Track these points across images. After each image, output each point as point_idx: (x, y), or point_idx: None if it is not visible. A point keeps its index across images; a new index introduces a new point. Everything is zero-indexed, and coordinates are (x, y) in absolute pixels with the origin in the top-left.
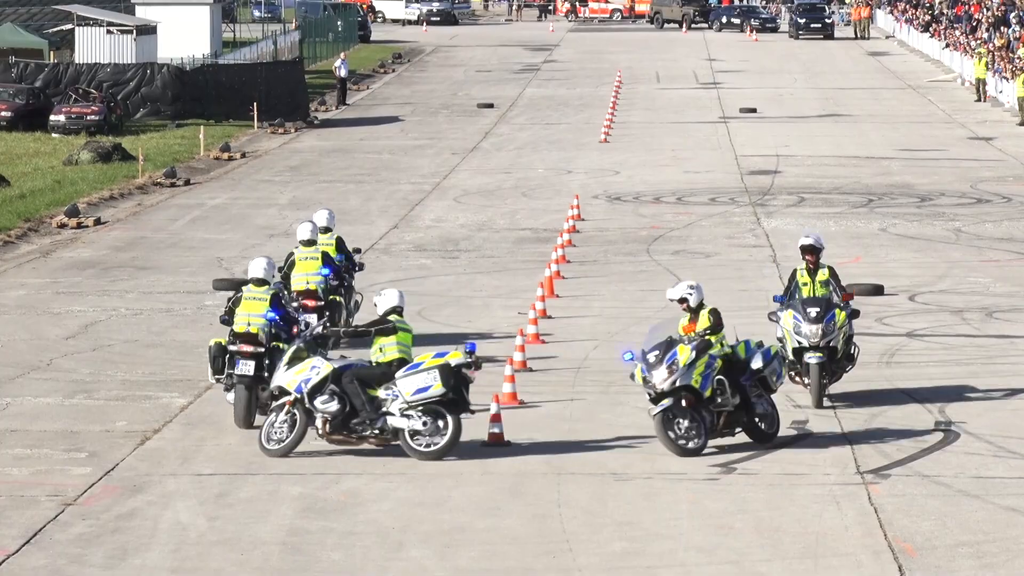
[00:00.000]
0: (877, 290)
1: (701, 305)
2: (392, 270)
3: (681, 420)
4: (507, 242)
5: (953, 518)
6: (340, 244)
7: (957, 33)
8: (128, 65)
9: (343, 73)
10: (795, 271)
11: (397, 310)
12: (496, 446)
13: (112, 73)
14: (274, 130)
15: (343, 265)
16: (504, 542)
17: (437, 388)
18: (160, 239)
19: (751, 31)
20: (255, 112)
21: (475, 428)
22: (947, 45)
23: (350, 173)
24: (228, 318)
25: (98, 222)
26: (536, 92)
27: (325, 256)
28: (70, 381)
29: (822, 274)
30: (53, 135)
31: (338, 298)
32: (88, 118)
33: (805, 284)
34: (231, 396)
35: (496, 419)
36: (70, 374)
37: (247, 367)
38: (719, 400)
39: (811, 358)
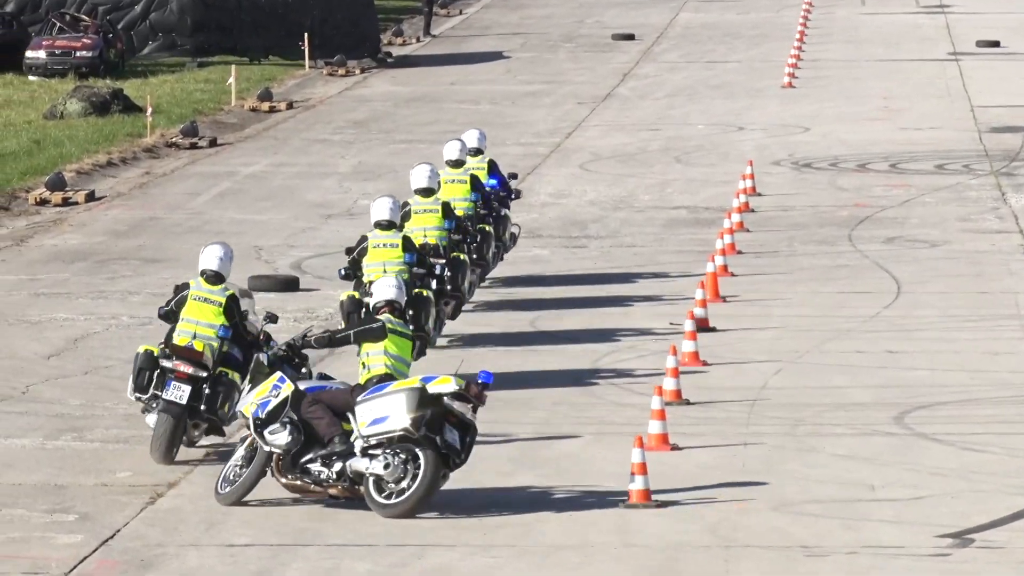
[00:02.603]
0: None
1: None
2: None
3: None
4: (654, 225)
5: None
6: (493, 167)
7: None
8: None
9: None
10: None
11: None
12: (640, 507)
13: None
14: (332, 71)
15: (494, 192)
16: None
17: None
18: (176, 221)
19: None
20: (306, 47)
21: (612, 483)
22: None
23: (436, 130)
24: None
25: (91, 197)
26: (693, 18)
27: (474, 180)
28: (53, 416)
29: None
30: (30, 78)
31: (487, 227)
32: (78, 55)
33: None
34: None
35: (640, 470)
36: (53, 406)
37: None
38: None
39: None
